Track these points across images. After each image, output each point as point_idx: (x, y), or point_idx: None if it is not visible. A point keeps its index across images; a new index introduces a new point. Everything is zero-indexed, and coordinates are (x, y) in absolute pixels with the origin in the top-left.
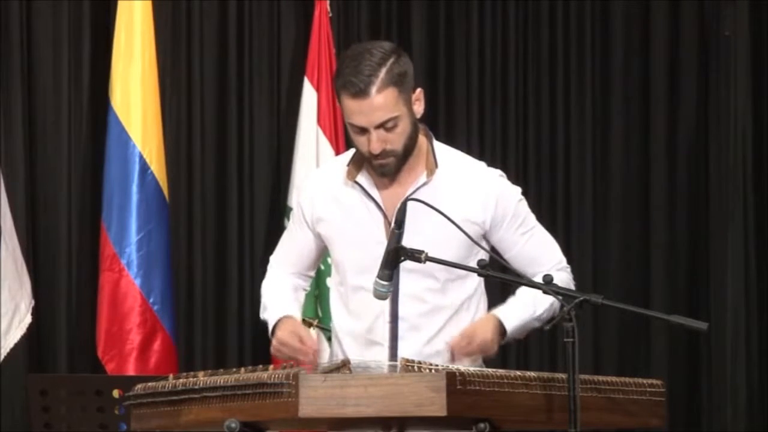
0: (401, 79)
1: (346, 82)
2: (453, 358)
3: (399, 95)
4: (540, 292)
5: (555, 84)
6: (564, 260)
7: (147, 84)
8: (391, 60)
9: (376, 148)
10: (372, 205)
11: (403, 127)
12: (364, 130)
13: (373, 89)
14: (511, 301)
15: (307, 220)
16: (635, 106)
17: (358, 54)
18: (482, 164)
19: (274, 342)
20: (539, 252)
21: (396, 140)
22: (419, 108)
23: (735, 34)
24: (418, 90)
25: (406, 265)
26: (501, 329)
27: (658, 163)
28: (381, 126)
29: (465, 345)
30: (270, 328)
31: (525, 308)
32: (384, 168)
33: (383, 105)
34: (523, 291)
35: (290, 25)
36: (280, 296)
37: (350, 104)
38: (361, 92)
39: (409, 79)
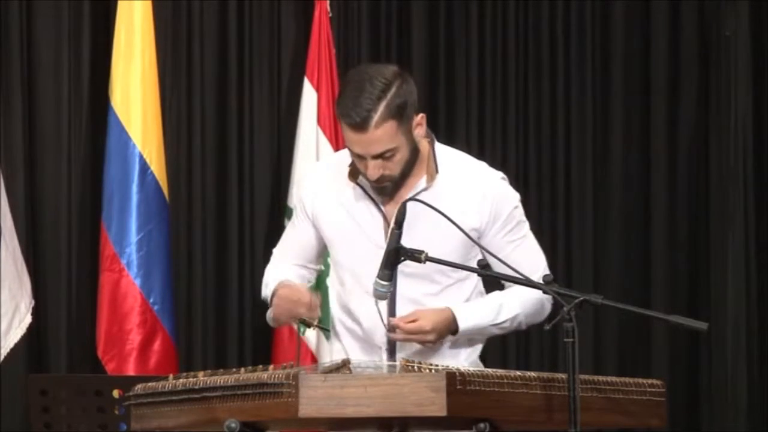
0: (401, 110)
1: (346, 113)
2: (390, 331)
3: (398, 127)
4: (512, 299)
5: (555, 84)
6: (548, 274)
7: (147, 84)
8: (392, 91)
9: (373, 174)
10: (372, 206)
11: (401, 156)
12: (362, 157)
13: (372, 123)
14: (476, 302)
15: (309, 215)
16: (635, 106)
17: (360, 83)
18: (483, 165)
19: (275, 300)
20: (522, 262)
21: (394, 167)
22: (420, 131)
23: (735, 34)
24: (420, 116)
25: (405, 270)
26: (452, 325)
27: (658, 163)
28: (379, 156)
29: (404, 323)
30: (269, 297)
31: (487, 313)
32: (380, 191)
33: (381, 138)
34: (492, 295)
35: (290, 25)
36: (281, 275)
37: (349, 134)
38: (359, 126)
39: (410, 108)
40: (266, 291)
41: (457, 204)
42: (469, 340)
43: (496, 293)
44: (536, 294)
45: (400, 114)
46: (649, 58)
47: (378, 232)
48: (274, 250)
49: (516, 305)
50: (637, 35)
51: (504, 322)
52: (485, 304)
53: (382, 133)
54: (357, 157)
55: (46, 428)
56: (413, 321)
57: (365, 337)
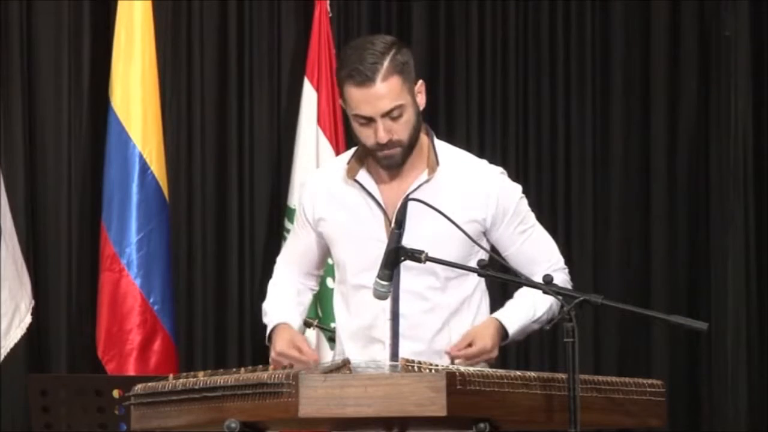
0: (404, 67)
1: (352, 71)
2: (452, 363)
3: (403, 83)
4: (539, 293)
5: (555, 84)
6: (561, 260)
7: (147, 84)
8: (394, 50)
9: (383, 137)
10: (373, 203)
11: (408, 117)
12: (370, 121)
13: (378, 77)
14: (511, 304)
15: (309, 220)
16: (635, 105)
17: (361, 45)
18: (483, 162)
19: (272, 354)
20: (537, 251)
21: (401, 130)
22: (422, 100)
23: (735, 34)
24: (420, 82)
25: (407, 263)
26: (502, 333)
27: (658, 163)
28: (387, 115)
29: (464, 349)
30: (267, 334)
31: (525, 312)
32: (390, 159)
33: (388, 93)
34: (522, 293)
35: (290, 25)
36: (280, 301)
37: (355, 94)
38: (367, 80)
39: (412, 69)
40: (264, 320)
41: (460, 196)
42: None
43: (523, 290)
44: (557, 278)
45: (404, 70)
46: (649, 58)
47: (379, 229)
48: (278, 259)
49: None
50: (637, 35)
51: (542, 315)
52: (521, 303)
53: (389, 87)
54: (364, 122)
55: (46, 428)
56: (469, 345)
57: (367, 332)
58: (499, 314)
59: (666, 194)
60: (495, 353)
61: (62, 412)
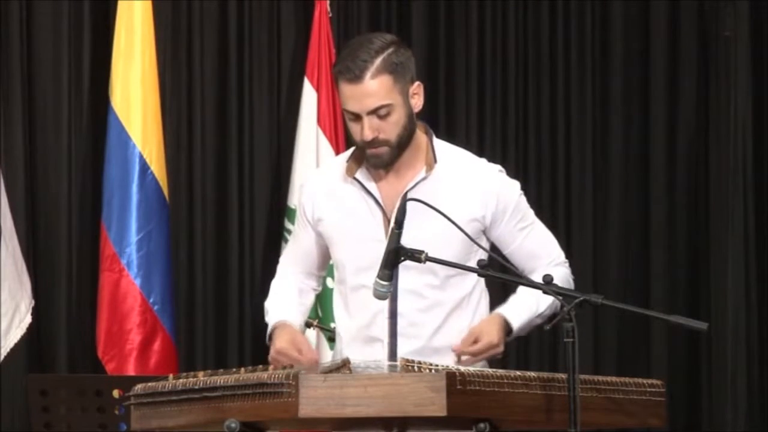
0: (398, 68)
1: (343, 68)
2: (459, 360)
3: (394, 84)
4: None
5: (555, 84)
6: (562, 255)
7: (147, 84)
8: (390, 50)
9: (367, 135)
10: (371, 201)
11: (397, 117)
12: (358, 117)
13: (368, 74)
14: (514, 300)
15: (309, 220)
16: (635, 105)
17: (359, 42)
18: (482, 160)
19: (272, 351)
20: (538, 247)
21: (389, 129)
22: (417, 101)
23: (735, 34)
24: (417, 83)
25: (406, 262)
26: (507, 329)
27: (658, 163)
28: (374, 113)
29: (470, 345)
30: (267, 333)
31: (528, 306)
32: (377, 159)
33: (376, 91)
34: (524, 288)
35: (290, 25)
36: (282, 301)
37: (345, 89)
38: (356, 77)
39: (408, 71)
40: (266, 318)
41: (458, 193)
42: None
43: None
44: (559, 273)
45: (396, 71)
46: (649, 58)
47: (378, 228)
48: (281, 260)
49: None
50: (637, 35)
51: (545, 309)
52: (523, 298)
53: (377, 86)
54: (353, 118)
55: (46, 428)
56: (475, 342)
57: (366, 330)
58: (503, 309)
59: (666, 194)
60: (501, 348)
61: (62, 412)
